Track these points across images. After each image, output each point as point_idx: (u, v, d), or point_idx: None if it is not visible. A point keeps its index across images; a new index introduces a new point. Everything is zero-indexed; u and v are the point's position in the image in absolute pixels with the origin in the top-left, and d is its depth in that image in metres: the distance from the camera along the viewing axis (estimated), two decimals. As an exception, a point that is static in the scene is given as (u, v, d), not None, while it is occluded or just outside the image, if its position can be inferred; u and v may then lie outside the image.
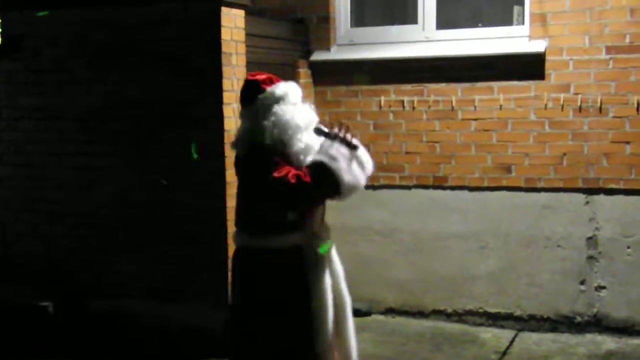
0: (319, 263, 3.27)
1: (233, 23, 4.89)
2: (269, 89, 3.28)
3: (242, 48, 4.97)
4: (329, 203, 3.09)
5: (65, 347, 5.00)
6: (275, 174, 3.08)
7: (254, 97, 3.28)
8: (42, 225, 5.34)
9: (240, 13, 4.96)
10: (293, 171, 3.10)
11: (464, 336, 5.40)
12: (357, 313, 5.81)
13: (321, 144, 3.20)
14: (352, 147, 3.22)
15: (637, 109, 5.16)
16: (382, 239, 5.87)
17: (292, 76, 5.82)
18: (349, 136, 3.22)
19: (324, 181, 3.10)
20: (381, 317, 5.82)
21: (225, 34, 4.82)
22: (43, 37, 5.22)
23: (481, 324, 5.60)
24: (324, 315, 3.23)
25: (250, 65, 5.09)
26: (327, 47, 5.92)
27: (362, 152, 3.29)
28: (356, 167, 3.20)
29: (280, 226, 3.23)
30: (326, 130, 3.24)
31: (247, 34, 5.01)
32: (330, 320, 3.26)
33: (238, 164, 3.33)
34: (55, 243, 5.28)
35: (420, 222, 5.74)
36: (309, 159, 3.17)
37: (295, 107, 3.27)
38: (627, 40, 5.15)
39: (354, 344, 3.44)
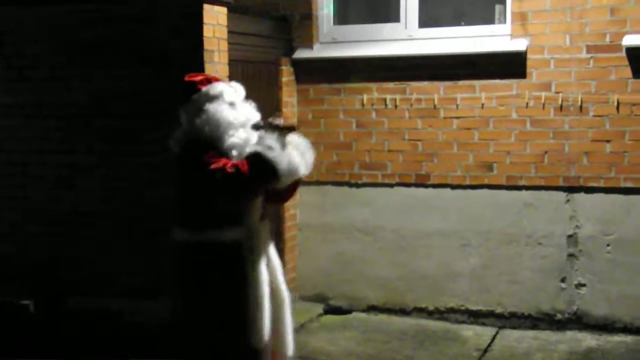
0: (257, 259, 3.33)
1: (215, 20, 4.88)
2: (204, 89, 3.38)
3: (224, 45, 4.96)
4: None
5: (46, 346, 4.97)
6: (213, 166, 3.15)
7: (189, 97, 3.39)
8: (23, 223, 5.29)
9: (223, 10, 4.94)
10: (230, 162, 3.18)
11: (446, 334, 5.42)
12: (338, 311, 5.86)
13: (258, 135, 3.29)
14: (290, 130, 3.34)
15: (617, 108, 5.20)
16: (364, 237, 5.88)
17: (274, 74, 5.83)
18: (284, 123, 3.33)
19: (261, 169, 3.17)
20: (363, 315, 5.83)
21: (207, 31, 4.80)
22: (24, 34, 5.17)
23: (463, 322, 5.63)
24: (260, 310, 3.29)
25: (233, 62, 5.09)
26: (309, 45, 5.92)
27: (299, 139, 3.39)
28: (294, 153, 3.29)
29: (218, 221, 3.28)
30: (262, 123, 3.34)
31: (229, 32, 5.00)
32: (266, 316, 3.32)
33: (175, 161, 3.40)
34: (35, 241, 5.24)
35: (402, 220, 5.76)
36: (244, 152, 3.24)
37: (232, 105, 3.35)
38: (608, 39, 5.19)
39: (291, 339, 3.52)
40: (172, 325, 3.54)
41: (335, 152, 5.90)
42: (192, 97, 3.37)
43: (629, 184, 5.21)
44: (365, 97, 5.78)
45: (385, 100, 5.74)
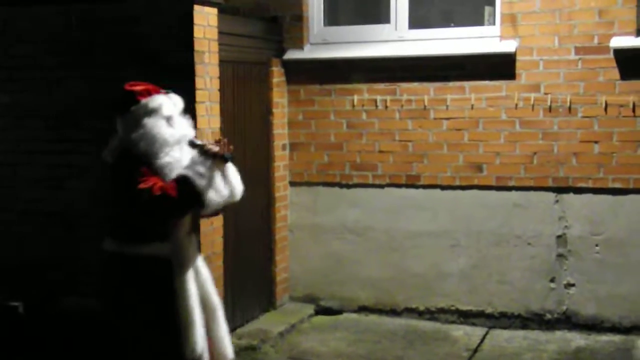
0: (184, 273, 3.37)
1: (206, 21, 4.88)
2: (143, 100, 3.37)
3: (215, 46, 4.96)
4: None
5: (36, 347, 4.95)
6: (141, 185, 3.17)
7: (128, 108, 3.38)
8: (13, 224, 5.28)
9: (213, 11, 4.94)
10: (159, 183, 3.20)
11: (436, 334, 5.44)
12: (329, 311, 5.87)
13: (192, 158, 3.31)
14: (224, 160, 3.33)
15: (606, 109, 5.24)
16: (355, 237, 5.90)
17: (265, 74, 5.84)
18: (221, 151, 3.31)
19: (188, 196, 3.21)
20: (354, 316, 5.85)
21: (198, 32, 4.80)
22: (13, 34, 5.16)
23: (453, 322, 5.65)
24: (191, 323, 3.33)
25: (223, 63, 5.09)
26: (300, 46, 5.93)
27: (232, 170, 3.41)
28: (222, 184, 3.32)
29: (148, 235, 3.32)
30: (200, 143, 3.34)
31: (220, 32, 5.00)
32: (198, 327, 3.36)
33: (109, 171, 3.42)
34: (26, 241, 5.22)
35: (393, 220, 5.78)
36: (176, 172, 3.26)
37: (169, 120, 3.36)
38: (596, 41, 5.23)
39: (229, 342, 3.58)
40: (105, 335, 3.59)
41: (326, 152, 5.92)
42: (131, 108, 3.36)
43: (617, 185, 5.25)
44: (355, 98, 5.79)
45: (375, 101, 5.75)
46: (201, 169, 3.24)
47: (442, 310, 5.70)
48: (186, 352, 3.32)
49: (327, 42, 5.95)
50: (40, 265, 5.18)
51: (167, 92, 3.49)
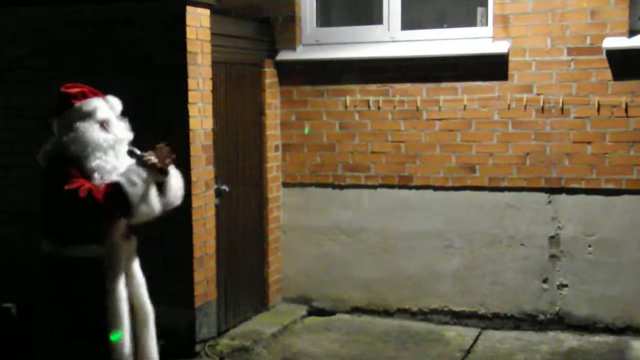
0: (116, 276, 3.37)
1: (198, 22, 4.87)
2: (77, 104, 3.36)
3: (207, 47, 4.95)
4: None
5: (28, 349, 4.92)
6: (67, 186, 3.16)
7: (62, 111, 3.38)
8: (4, 225, 5.25)
9: (206, 12, 4.94)
10: (87, 185, 3.18)
11: (429, 335, 5.44)
12: (322, 312, 5.86)
13: (128, 166, 3.29)
14: (163, 173, 3.31)
15: (598, 110, 5.25)
16: (347, 238, 5.89)
17: (258, 75, 5.83)
18: (159, 162, 3.28)
19: (115, 202, 3.19)
20: (347, 317, 5.84)
21: (190, 33, 4.79)
22: (4, 35, 5.14)
23: (446, 323, 5.65)
24: (118, 326, 3.33)
25: (216, 64, 5.08)
26: (292, 47, 5.92)
27: (174, 179, 3.40)
28: (155, 197, 3.29)
29: (80, 236, 3.32)
30: (138, 153, 3.31)
31: (212, 33, 4.99)
32: (125, 331, 3.36)
33: (42, 174, 3.40)
34: (18, 243, 5.20)
35: (385, 221, 5.78)
36: (108, 178, 3.25)
37: (104, 124, 3.35)
38: (588, 42, 5.24)
39: (155, 352, 3.56)
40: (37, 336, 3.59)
41: (319, 153, 5.91)
42: (64, 111, 3.35)
43: (610, 185, 5.26)
44: (348, 98, 5.79)
45: (368, 102, 5.75)
46: (135, 178, 3.21)
47: (435, 311, 5.70)
48: (112, 355, 3.33)
49: (320, 43, 5.94)
50: (32, 266, 5.15)
51: (104, 95, 3.47)
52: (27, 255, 5.17)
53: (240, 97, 5.58)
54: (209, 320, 5.10)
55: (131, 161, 3.31)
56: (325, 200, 5.94)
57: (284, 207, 6.03)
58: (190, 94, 4.80)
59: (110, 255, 3.36)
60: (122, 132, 3.41)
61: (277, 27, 5.94)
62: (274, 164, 5.93)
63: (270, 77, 5.89)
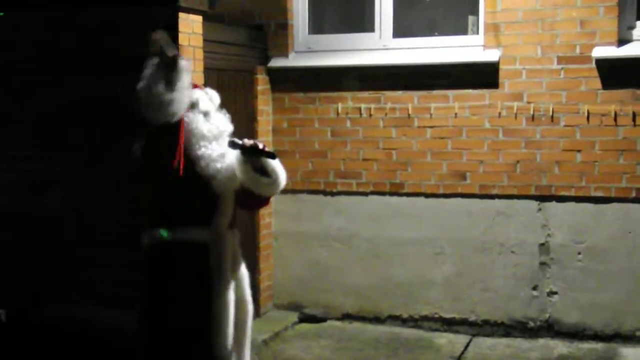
0: (223, 265, 3.31)
1: (191, 29, 4.88)
2: None
3: (199, 54, 4.96)
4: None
5: (18, 355, 4.91)
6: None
7: None
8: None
9: (198, 19, 4.94)
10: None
11: (419, 341, 5.45)
12: (313, 319, 5.87)
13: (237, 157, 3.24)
14: (269, 156, 3.25)
15: (588, 118, 5.29)
16: (339, 245, 5.90)
17: (250, 82, 5.84)
18: (261, 146, 3.24)
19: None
20: (338, 323, 5.85)
21: (182, 40, 4.80)
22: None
23: (436, 329, 5.67)
24: (225, 318, 3.27)
25: (208, 71, 5.09)
26: (285, 54, 5.95)
27: (276, 162, 3.32)
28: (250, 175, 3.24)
29: (186, 220, 3.26)
30: (239, 142, 3.25)
31: (205, 40, 5.00)
32: (231, 324, 3.29)
33: (140, 158, 3.35)
34: (6, 249, 5.18)
35: (377, 228, 5.79)
36: (214, 166, 3.23)
37: (206, 115, 3.31)
38: (578, 50, 5.28)
39: (249, 353, 3.50)
40: (137, 329, 3.51)
41: (310, 160, 5.92)
42: None
43: (599, 193, 5.29)
44: (340, 106, 5.81)
45: (360, 109, 5.77)
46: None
47: (425, 318, 5.72)
48: (217, 348, 3.25)
49: (312, 50, 5.96)
50: (22, 272, 5.15)
51: (203, 88, 3.43)
52: (17, 260, 5.17)
53: (232, 103, 5.57)
54: (200, 327, 5.09)
55: (234, 152, 3.25)
56: (316, 207, 5.95)
57: (276, 213, 6.04)
58: (182, 100, 4.79)
59: (216, 242, 3.29)
60: (224, 123, 3.36)
61: (270, 34, 5.96)
62: (266, 171, 5.93)
63: (262, 84, 5.90)
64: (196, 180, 3.22)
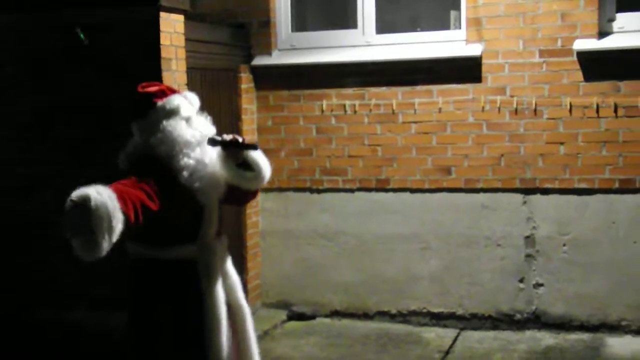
0: (212, 277, 3.22)
1: (172, 28, 4.86)
2: (159, 103, 3.19)
3: (182, 53, 4.94)
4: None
5: (9, 359, 4.89)
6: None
7: (145, 112, 3.20)
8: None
9: (180, 18, 4.93)
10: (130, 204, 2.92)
11: (408, 336, 5.47)
12: (302, 317, 5.87)
13: (218, 155, 3.15)
14: (250, 147, 3.17)
15: (570, 111, 5.32)
16: (326, 242, 5.91)
17: (234, 81, 5.83)
18: (241, 139, 3.16)
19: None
20: (327, 320, 5.85)
21: (164, 39, 4.78)
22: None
23: (425, 324, 5.69)
24: (217, 331, 3.19)
25: (191, 70, 5.08)
26: (268, 52, 5.94)
27: (259, 154, 3.24)
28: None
29: (171, 237, 3.16)
30: (219, 138, 3.16)
31: (187, 39, 4.98)
32: (224, 335, 3.22)
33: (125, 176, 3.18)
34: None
35: (363, 224, 5.80)
36: (197, 174, 3.12)
37: (188, 121, 3.21)
38: (559, 44, 5.31)
39: (256, 354, 3.44)
40: (126, 342, 3.46)
41: (296, 158, 5.92)
42: (149, 111, 3.18)
43: (583, 185, 5.33)
44: (324, 103, 5.81)
45: (344, 106, 5.78)
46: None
47: (413, 313, 5.74)
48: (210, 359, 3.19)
49: (295, 47, 5.96)
50: (10, 276, 5.12)
51: (181, 92, 3.35)
52: (6, 263, 5.14)
53: (217, 102, 5.58)
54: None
55: (214, 151, 3.16)
56: (303, 205, 5.95)
57: (263, 212, 6.04)
58: (165, 100, 4.78)
59: (204, 254, 3.20)
60: (205, 127, 3.26)
61: (253, 33, 5.95)
62: (251, 169, 5.93)
63: (246, 82, 5.90)
64: (179, 195, 3.10)
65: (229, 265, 3.40)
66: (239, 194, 3.29)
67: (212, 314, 3.20)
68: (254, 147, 3.21)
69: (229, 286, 3.34)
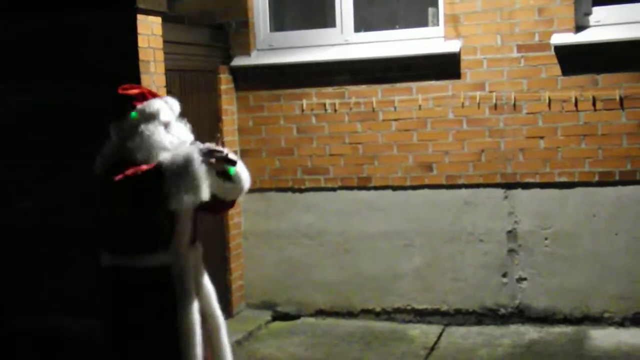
0: (186, 285, 3.19)
1: (150, 30, 4.83)
2: (139, 106, 3.15)
3: (160, 55, 4.91)
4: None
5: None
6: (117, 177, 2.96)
7: (124, 114, 3.16)
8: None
9: (157, 20, 4.90)
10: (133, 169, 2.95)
11: (393, 334, 5.48)
12: (286, 317, 5.86)
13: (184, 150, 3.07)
14: (229, 162, 3.10)
15: (549, 105, 5.35)
16: (309, 241, 5.90)
17: (213, 82, 5.81)
18: (222, 151, 3.08)
19: (148, 180, 2.91)
20: (311, 320, 5.85)
21: (142, 42, 4.75)
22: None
23: (409, 321, 5.70)
24: (191, 340, 3.15)
25: (170, 72, 5.05)
26: (247, 52, 5.92)
27: (240, 167, 3.21)
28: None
29: (144, 245, 3.13)
30: (201, 146, 3.07)
31: (165, 41, 4.95)
32: (197, 345, 3.18)
33: (100, 181, 3.14)
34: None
35: (346, 223, 5.80)
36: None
37: (167, 126, 3.17)
38: (537, 38, 5.34)
39: None
40: (102, 349, 3.41)
41: (278, 158, 5.91)
42: (126, 114, 3.14)
43: (563, 179, 5.36)
44: (304, 102, 5.81)
45: (324, 105, 5.78)
46: (180, 160, 2.93)
47: (398, 310, 5.74)
48: None
49: (274, 47, 5.95)
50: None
51: (162, 96, 3.30)
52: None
53: (196, 104, 5.55)
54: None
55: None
56: (285, 205, 5.94)
57: (245, 212, 6.02)
58: (144, 103, 4.75)
59: (178, 263, 3.17)
60: (184, 133, 3.22)
61: (231, 33, 5.93)
62: (233, 170, 5.90)
63: (225, 83, 5.88)
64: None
65: (204, 274, 3.35)
66: (215, 203, 3.21)
67: (186, 323, 3.16)
68: (233, 162, 3.12)
69: (203, 295, 3.30)
